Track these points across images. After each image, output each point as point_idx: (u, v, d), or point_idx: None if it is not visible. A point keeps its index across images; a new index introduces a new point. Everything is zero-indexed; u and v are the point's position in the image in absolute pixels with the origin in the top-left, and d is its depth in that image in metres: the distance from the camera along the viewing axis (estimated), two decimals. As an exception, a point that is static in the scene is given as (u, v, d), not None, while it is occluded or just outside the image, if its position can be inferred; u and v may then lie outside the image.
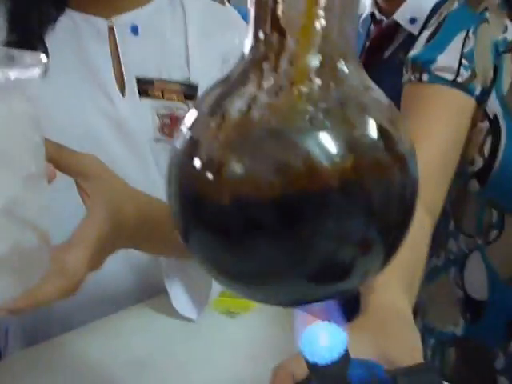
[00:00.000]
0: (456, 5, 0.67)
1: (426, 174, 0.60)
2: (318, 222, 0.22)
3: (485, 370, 0.73)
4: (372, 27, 1.22)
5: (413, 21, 1.09)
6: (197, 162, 0.23)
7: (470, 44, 0.64)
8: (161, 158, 0.70)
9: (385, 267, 0.25)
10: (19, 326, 0.71)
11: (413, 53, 0.68)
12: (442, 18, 0.68)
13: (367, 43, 1.20)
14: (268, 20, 0.22)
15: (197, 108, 0.25)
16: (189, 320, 0.67)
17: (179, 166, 0.24)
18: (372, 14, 1.21)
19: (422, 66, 0.65)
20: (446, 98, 0.64)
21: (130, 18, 0.68)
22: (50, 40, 0.65)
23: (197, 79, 0.69)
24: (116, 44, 0.68)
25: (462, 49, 0.64)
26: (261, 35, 0.22)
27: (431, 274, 0.78)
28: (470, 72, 0.64)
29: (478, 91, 0.64)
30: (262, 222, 0.22)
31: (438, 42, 0.66)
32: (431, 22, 0.69)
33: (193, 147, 0.23)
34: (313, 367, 0.29)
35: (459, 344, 0.75)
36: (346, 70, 0.23)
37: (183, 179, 0.24)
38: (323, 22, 0.22)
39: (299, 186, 0.21)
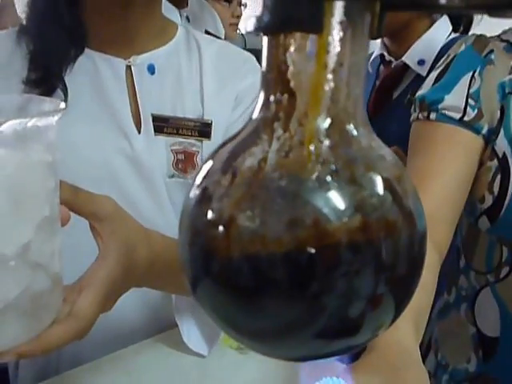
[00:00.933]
0: (463, 47, 0.69)
1: (434, 211, 0.61)
2: (327, 279, 0.22)
3: None
4: (381, 67, 1.23)
5: (421, 62, 1.11)
6: (208, 217, 0.23)
7: (476, 85, 0.66)
8: (175, 194, 0.71)
9: (395, 321, 0.25)
10: (30, 359, 0.71)
11: (421, 92, 0.70)
12: (449, 59, 0.70)
13: (377, 83, 1.22)
14: (278, 82, 0.23)
15: (209, 163, 0.25)
16: (200, 356, 0.67)
17: (191, 218, 0.25)
18: (381, 55, 1.23)
19: (430, 105, 0.67)
20: (454, 137, 0.65)
21: (147, 58, 0.71)
22: (70, 78, 0.67)
23: (211, 117, 0.71)
24: (133, 83, 0.70)
25: (469, 89, 0.66)
26: (271, 96, 0.23)
27: (443, 311, 0.78)
28: (476, 111, 0.65)
29: (485, 130, 0.66)
30: (271, 278, 0.22)
31: (445, 82, 0.68)
32: (439, 63, 0.71)
33: (205, 202, 0.24)
34: None
35: (472, 380, 0.75)
36: (354, 131, 0.23)
37: (194, 232, 0.25)
38: (332, 84, 0.22)
39: (308, 244, 0.22)
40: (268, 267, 0.22)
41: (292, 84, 0.23)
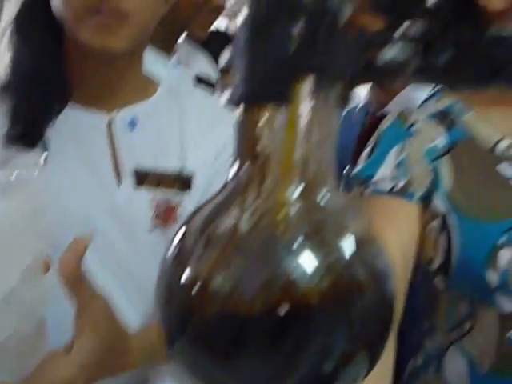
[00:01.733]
0: (388, 122, 0.74)
1: None
2: (299, 339, 0.23)
3: None
4: (367, 118, 1.27)
5: None
6: (184, 279, 0.24)
7: (402, 155, 0.70)
8: (157, 246, 0.70)
9: (367, 375, 0.26)
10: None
11: (356, 170, 0.74)
12: (378, 135, 0.74)
13: (362, 134, 1.25)
14: (251, 151, 0.24)
15: (186, 227, 0.26)
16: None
17: (168, 278, 0.25)
18: (366, 105, 1.26)
19: (364, 181, 0.71)
20: (389, 208, 0.68)
21: (128, 113, 0.72)
22: (51, 132, 0.67)
23: (192, 170, 0.72)
24: (114, 137, 0.70)
25: (396, 160, 0.70)
26: (244, 164, 0.24)
27: (412, 376, 0.78)
28: (405, 180, 0.69)
29: (418, 195, 0.68)
30: (245, 338, 0.23)
31: (374, 158, 0.72)
32: (370, 140, 0.75)
33: (181, 264, 0.25)
34: None
35: None
36: (325, 196, 0.24)
37: (170, 292, 0.25)
38: (302, 153, 0.23)
39: (281, 305, 0.22)
40: (242, 327, 0.23)
41: (263, 153, 0.23)
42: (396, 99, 1.16)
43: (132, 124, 0.71)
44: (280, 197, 0.23)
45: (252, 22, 0.22)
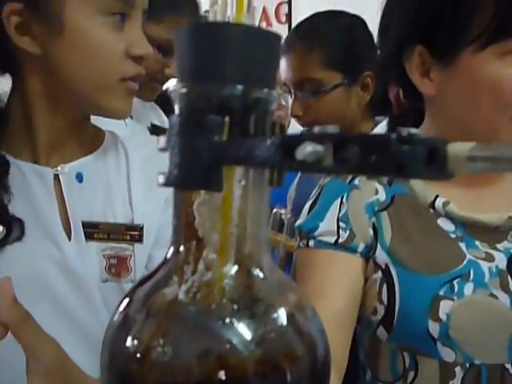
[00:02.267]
0: (328, 178, 0.77)
1: (328, 328, 0.62)
2: None
3: None
4: None
5: None
6: (126, 346, 0.25)
7: (344, 208, 0.72)
8: (109, 297, 0.70)
9: None
10: None
11: (298, 222, 0.76)
12: (319, 190, 0.77)
13: None
14: (187, 230, 0.25)
15: (130, 297, 0.27)
16: None
17: (111, 344, 0.27)
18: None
19: (307, 233, 0.73)
20: (332, 260, 0.70)
21: (75, 167, 0.72)
22: None
23: (141, 221, 0.72)
24: (62, 191, 0.70)
25: (339, 214, 0.72)
26: (181, 242, 0.25)
27: None
28: (348, 232, 0.71)
29: (360, 248, 0.71)
30: None
31: (317, 210, 0.74)
32: (312, 194, 0.78)
33: (124, 333, 0.26)
34: None
35: None
36: (257, 272, 0.26)
37: (113, 357, 0.26)
38: (237, 232, 0.25)
39: (217, 373, 0.23)
40: None
41: (199, 232, 0.25)
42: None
43: (79, 177, 0.71)
44: (216, 273, 0.25)
45: (184, 113, 0.24)
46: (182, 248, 0.25)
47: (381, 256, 0.70)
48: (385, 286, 0.68)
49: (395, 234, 0.70)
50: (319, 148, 0.19)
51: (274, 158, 0.21)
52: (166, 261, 0.26)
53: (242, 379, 0.24)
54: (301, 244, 0.73)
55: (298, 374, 0.25)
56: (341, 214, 0.71)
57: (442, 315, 0.64)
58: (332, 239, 0.70)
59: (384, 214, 0.71)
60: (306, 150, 0.19)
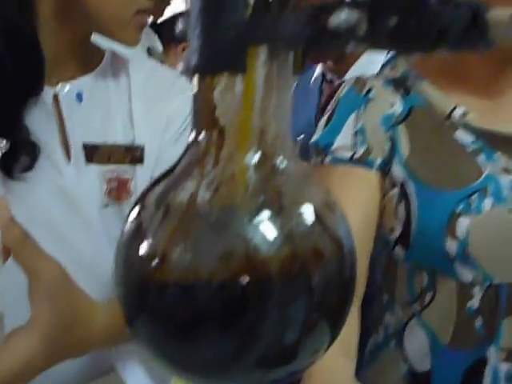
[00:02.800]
0: (344, 90, 0.74)
1: None
2: (261, 308, 0.23)
3: None
4: (324, 86, 1.26)
5: None
6: (142, 251, 0.24)
7: (361, 122, 0.69)
8: (110, 223, 0.69)
9: (331, 344, 0.26)
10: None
11: (313, 139, 0.73)
12: (335, 103, 0.74)
13: (321, 101, 1.24)
14: (208, 120, 0.24)
15: (143, 199, 0.26)
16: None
17: (125, 252, 0.25)
18: (323, 74, 1.26)
19: (323, 149, 0.71)
20: (349, 176, 0.68)
21: (74, 86, 0.69)
22: None
23: (142, 142, 0.70)
24: (61, 112, 0.68)
25: (354, 128, 0.69)
26: (202, 133, 0.24)
27: (373, 352, 0.77)
28: (365, 147, 0.68)
29: (377, 163, 0.69)
30: (205, 310, 0.23)
31: (333, 125, 0.72)
32: (327, 108, 0.75)
33: (139, 237, 0.24)
34: None
35: None
36: (282, 163, 0.24)
37: (129, 266, 0.25)
38: (259, 120, 0.24)
39: (241, 275, 0.22)
40: (202, 299, 0.23)
41: (220, 121, 0.24)
42: (353, 69, 1.17)
43: (79, 97, 0.69)
44: (238, 165, 0.24)
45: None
46: (202, 138, 0.24)
47: (397, 171, 0.68)
48: (402, 203, 0.67)
49: (412, 148, 0.68)
50: (353, 14, 0.18)
51: (304, 31, 0.19)
52: (183, 156, 0.25)
53: (267, 281, 0.23)
54: (316, 161, 0.71)
55: (325, 275, 0.24)
56: (357, 128, 0.69)
57: (460, 232, 0.62)
58: (348, 154, 0.68)
59: (401, 128, 0.69)
60: (340, 17, 0.18)
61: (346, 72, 1.18)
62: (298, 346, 0.24)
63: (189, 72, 0.23)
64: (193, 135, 0.25)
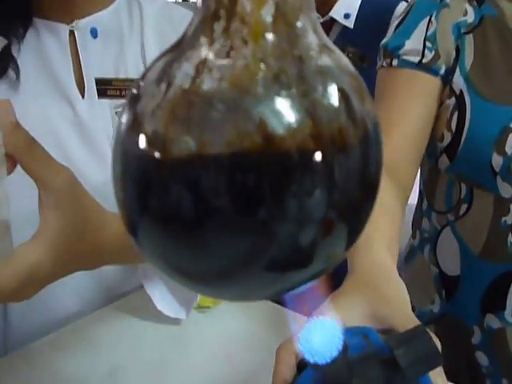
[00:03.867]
0: None
1: (398, 155, 0.63)
2: (274, 201, 0.19)
3: (462, 345, 0.74)
4: None
5: (347, 16, 1.21)
6: (141, 138, 0.20)
7: (433, 27, 0.69)
8: None
9: (349, 249, 0.23)
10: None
11: (384, 41, 0.72)
12: (409, 7, 0.73)
13: None
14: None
15: (144, 76, 0.23)
16: (156, 320, 0.65)
17: (123, 144, 0.22)
18: None
19: (392, 51, 0.70)
20: (414, 81, 0.68)
21: (89, 22, 0.69)
22: (15, 48, 0.64)
23: None
24: (76, 48, 0.68)
25: (426, 33, 0.68)
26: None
27: (409, 255, 0.81)
28: (433, 53, 0.68)
29: (442, 71, 0.68)
30: (214, 204, 0.20)
31: (405, 28, 0.71)
32: (401, 12, 0.74)
33: (137, 121, 0.21)
34: (314, 367, 0.28)
35: (436, 321, 0.76)
36: (303, 26, 0.21)
37: (128, 159, 0.22)
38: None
39: (253, 156, 0.19)
40: (210, 191, 0.19)
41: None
42: (337, 5, 1.22)
43: (94, 32, 0.69)
44: (252, 26, 0.20)
45: None
46: (209, 4, 0.21)
47: (458, 81, 0.67)
48: (456, 113, 0.67)
49: (476, 59, 0.67)
50: None
51: None
52: (192, 19, 0.22)
53: (283, 166, 0.19)
54: (384, 63, 0.71)
55: (347, 167, 0.21)
56: (429, 33, 0.69)
57: (508, 149, 0.62)
58: (416, 59, 0.68)
59: (469, 37, 0.68)
60: None
61: (326, 11, 1.22)
62: (313, 248, 0.21)
63: None
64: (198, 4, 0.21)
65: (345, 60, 0.22)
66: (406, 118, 0.66)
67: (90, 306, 0.69)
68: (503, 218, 0.66)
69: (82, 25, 0.68)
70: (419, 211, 0.79)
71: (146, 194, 0.21)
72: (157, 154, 0.20)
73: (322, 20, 1.24)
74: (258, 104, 0.19)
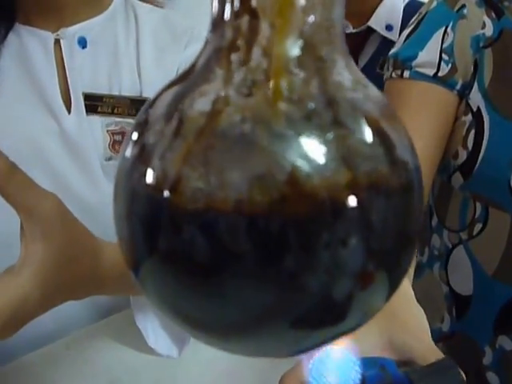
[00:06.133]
0: (435, 3, 0.69)
1: None
2: (304, 251, 0.17)
3: (473, 365, 0.72)
4: None
5: (389, 28, 1.09)
6: (148, 178, 0.18)
7: (449, 39, 0.65)
8: (112, 177, 0.65)
9: (389, 299, 0.20)
10: None
11: (394, 50, 0.69)
12: (420, 16, 0.69)
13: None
14: (236, 1, 0.18)
15: (150, 109, 0.20)
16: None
17: (127, 182, 0.19)
18: None
19: (403, 62, 0.66)
20: (428, 94, 0.64)
21: (77, 31, 0.64)
22: None
23: (150, 94, 0.66)
24: (62, 58, 0.63)
25: (442, 44, 0.65)
26: (227, 18, 0.18)
27: (416, 272, 0.78)
28: (450, 66, 0.64)
29: (459, 85, 0.65)
30: (232, 252, 0.17)
31: (417, 38, 0.67)
32: (411, 21, 0.70)
33: (144, 160, 0.18)
34: None
35: (446, 340, 0.74)
36: (332, 59, 0.18)
37: (132, 199, 0.19)
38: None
39: (280, 206, 0.16)
40: (227, 236, 0.17)
41: (253, 2, 0.17)
42: (376, 14, 1.10)
43: (82, 42, 0.64)
44: (276, 59, 0.18)
45: None
46: (227, 27, 0.18)
47: (475, 97, 0.64)
48: (473, 131, 0.63)
49: (495, 75, 0.64)
50: None
51: None
52: (202, 51, 0.19)
53: (315, 214, 0.17)
54: (394, 74, 0.67)
55: (387, 211, 0.18)
56: (445, 45, 0.65)
57: None
58: (431, 72, 0.64)
59: (488, 52, 0.65)
60: None
61: (361, 21, 1.10)
62: (349, 303, 0.19)
63: None
64: (213, 23, 0.18)
65: (381, 97, 0.20)
66: (422, 127, 0.63)
67: (85, 320, 0.66)
68: None
69: (69, 33, 0.63)
70: (427, 226, 0.77)
71: (157, 236, 0.18)
72: (171, 196, 0.17)
73: (356, 30, 1.12)
74: (286, 147, 0.17)
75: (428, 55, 0.65)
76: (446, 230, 0.72)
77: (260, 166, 0.17)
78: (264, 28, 0.17)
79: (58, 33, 0.63)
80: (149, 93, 0.66)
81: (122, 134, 0.65)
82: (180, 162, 0.17)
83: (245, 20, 0.18)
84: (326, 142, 0.17)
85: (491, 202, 0.64)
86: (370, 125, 0.18)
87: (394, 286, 0.20)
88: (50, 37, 0.63)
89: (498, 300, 0.67)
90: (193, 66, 0.19)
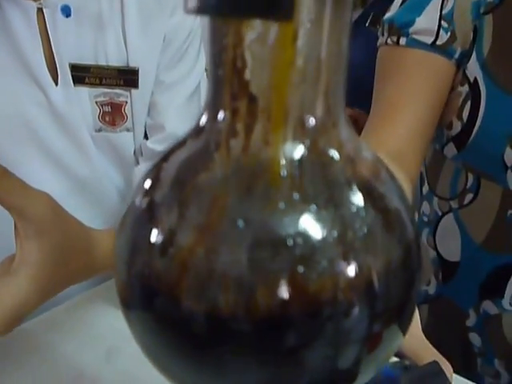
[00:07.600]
0: None
1: (405, 142, 0.59)
2: (307, 326, 0.17)
3: (456, 326, 0.74)
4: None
5: None
6: (153, 239, 0.18)
7: (449, 5, 0.61)
8: (104, 147, 0.65)
9: (396, 349, 0.21)
10: None
11: (389, 15, 0.65)
12: None
13: None
14: (233, 83, 0.17)
15: (153, 180, 0.19)
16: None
17: (132, 233, 0.19)
18: None
19: (400, 28, 0.62)
20: (425, 63, 0.61)
21: None
22: None
23: (137, 63, 0.64)
24: (46, 27, 0.61)
25: (441, 10, 0.61)
26: (224, 102, 0.17)
27: None
28: (449, 34, 0.61)
29: (457, 54, 0.61)
30: (233, 328, 0.17)
31: (414, 3, 0.63)
32: None
33: (152, 221, 0.18)
34: None
35: (431, 302, 0.76)
36: (334, 151, 0.18)
37: (134, 251, 0.19)
38: (306, 84, 0.16)
39: (281, 283, 0.16)
40: (229, 313, 0.17)
41: (252, 87, 0.16)
42: None
43: (66, 10, 0.61)
44: (276, 149, 0.17)
45: None
46: (225, 111, 0.17)
47: (473, 67, 0.61)
48: (469, 102, 0.61)
49: (495, 44, 0.60)
50: None
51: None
52: (198, 129, 0.18)
53: (314, 304, 0.17)
54: (389, 40, 0.63)
55: (389, 283, 0.18)
56: (445, 12, 0.61)
57: None
58: (430, 39, 0.61)
59: (488, 18, 0.61)
60: None
61: None
62: (356, 368, 0.19)
63: (202, 11, 0.16)
64: (209, 103, 0.18)
65: (380, 162, 0.19)
66: (415, 102, 0.60)
67: (84, 285, 0.67)
68: (509, 211, 0.63)
69: (52, 2, 0.61)
70: (418, 193, 0.77)
71: (148, 298, 0.18)
72: (166, 266, 0.18)
73: None
74: (287, 239, 0.16)
75: (426, 22, 0.61)
76: (436, 198, 0.72)
77: (261, 249, 0.17)
78: (263, 115, 0.17)
79: (41, 1, 0.61)
80: (136, 62, 0.64)
81: (112, 104, 0.64)
82: (185, 241, 0.17)
83: (243, 105, 0.17)
84: (328, 237, 0.17)
85: (483, 173, 0.64)
86: (374, 214, 0.18)
87: (401, 334, 0.20)
88: (32, 6, 0.60)
89: (484, 267, 0.67)
90: (185, 139, 0.18)
